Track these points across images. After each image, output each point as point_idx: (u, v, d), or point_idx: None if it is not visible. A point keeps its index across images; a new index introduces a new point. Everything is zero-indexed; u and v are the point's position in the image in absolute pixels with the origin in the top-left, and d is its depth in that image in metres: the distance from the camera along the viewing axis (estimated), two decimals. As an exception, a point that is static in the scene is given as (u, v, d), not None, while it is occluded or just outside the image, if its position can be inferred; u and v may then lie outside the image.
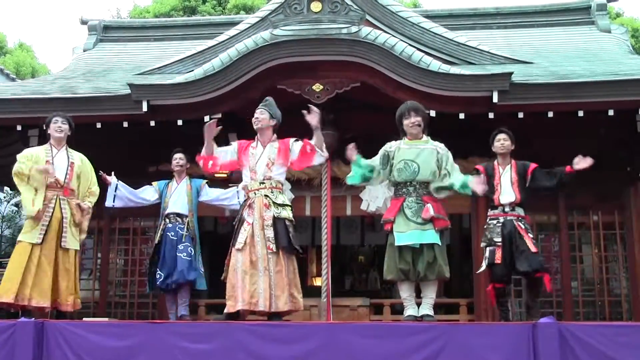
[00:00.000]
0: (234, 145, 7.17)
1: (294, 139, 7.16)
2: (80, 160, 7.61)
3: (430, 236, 6.61)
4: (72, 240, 7.39)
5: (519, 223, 7.23)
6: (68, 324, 6.56)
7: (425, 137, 7.02)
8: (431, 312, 6.69)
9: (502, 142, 7.52)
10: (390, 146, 7.00)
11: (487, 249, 7.23)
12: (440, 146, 6.96)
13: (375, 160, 7.02)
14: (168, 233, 8.38)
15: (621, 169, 10.00)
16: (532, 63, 10.89)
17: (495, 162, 7.58)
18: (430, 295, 6.76)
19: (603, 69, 10.06)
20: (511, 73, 8.91)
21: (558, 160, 9.99)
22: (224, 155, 7.12)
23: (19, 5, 51.53)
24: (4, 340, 6.32)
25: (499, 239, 7.15)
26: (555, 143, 9.89)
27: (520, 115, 8.99)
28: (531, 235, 7.24)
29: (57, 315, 7.40)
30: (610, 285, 10.34)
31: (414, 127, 6.91)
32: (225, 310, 6.81)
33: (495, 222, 7.27)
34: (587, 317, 9.98)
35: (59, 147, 7.54)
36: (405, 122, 6.95)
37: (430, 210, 6.65)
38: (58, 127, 7.51)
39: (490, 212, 7.39)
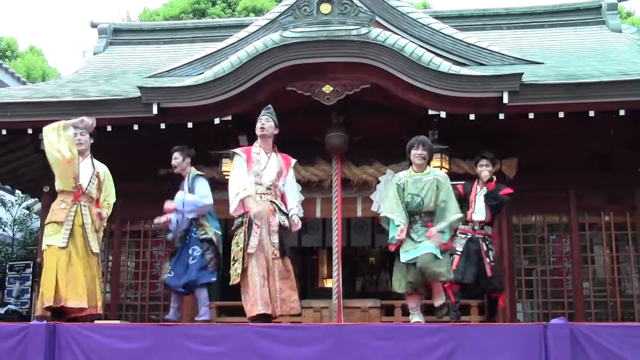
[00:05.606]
0: (243, 157, 7.03)
1: (294, 160, 7.26)
2: (103, 171, 7.62)
3: (424, 247, 6.87)
4: (95, 246, 7.37)
5: (484, 243, 7.91)
6: (79, 326, 6.57)
7: (428, 169, 7.21)
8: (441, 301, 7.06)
9: (484, 168, 8.03)
10: (399, 179, 7.18)
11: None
12: (440, 175, 7.23)
13: (397, 206, 7.11)
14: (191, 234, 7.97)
15: (633, 169, 9.96)
16: (542, 63, 10.86)
17: (476, 182, 8.10)
18: (442, 300, 7.09)
19: (614, 68, 10.02)
20: (521, 74, 8.89)
21: (567, 161, 10.03)
22: (245, 180, 6.95)
23: (29, 9, 51.80)
24: (16, 342, 6.35)
25: (460, 250, 7.79)
26: (566, 143, 9.88)
27: (531, 115, 8.97)
28: (490, 259, 7.87)
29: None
30: (621, 286, 10.31)
31: (419, 158, 7.11)
32: (248, 315, 6.78)
33: (463, 235, 7.87)
34: (599, 317, 9.95)
35: (83, 157, 7.52)
36: (413, 152, 7.14)
37: (432, 231, 6.95)
38: (77, 140, 7.48)
39: (461, 227, 7.79)
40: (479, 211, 7.96)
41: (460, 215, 7.10)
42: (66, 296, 7.00)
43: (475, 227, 7.93)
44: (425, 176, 7.12)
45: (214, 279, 7.78)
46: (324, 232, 13.50)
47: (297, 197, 7.18)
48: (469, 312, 9.33)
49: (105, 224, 7.67)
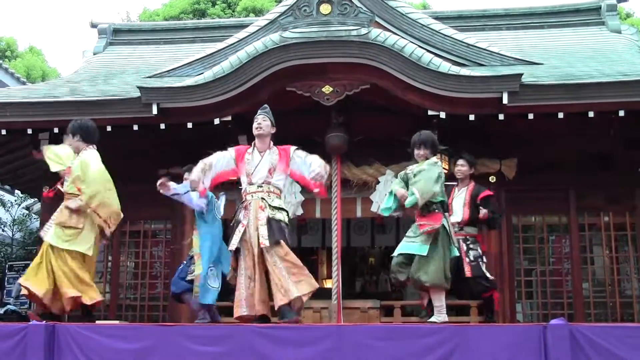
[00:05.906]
0: (231, 152, 7.04)
1: (295, 147, 7.07)
2: (77, 164, 7.33)
3: (413, 248, 6.87)
4: (56, 239, 7.19)
5: (465, 244, 7.96)
6: (79, 326, 6.56)
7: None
8: (437, 319, 6.84)
9: (459, 167, 8.31)
10: (408, 169, 7.24)
11: None
12: (426, 163, 7.07)
13: (397, 184, 7.20)
14: None
15: (633, 169, 9.96)
16: (542, 64, 10.86)
17: (455, 184, 8.25)
18: (435, 304, 6.96)
19: (613, 69, 10.02)
20: (521, 74, 8.90)
21: (567, 161, 10.03)
22: (219, 162, 6.96)
23: (29, 9, 51.79)
24: (15, 342, 6.36)
25: None
26: (566, 143, 9.88)
27: (531, 116, 8.97)
28: (470, 258, 7.90)
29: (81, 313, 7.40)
30: (621, 286, 10.31)
31: (422, 157, 7.13)
32: (234, 315, 6.80)
33: None
34: (598, 318, 9.95)
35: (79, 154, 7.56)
36: (416, 151, 7.17)
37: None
38: (67, 143, 7.57)
39: None
40: (456, 213, 8.03)
41: (430, 190, 6.87)
42: (28, 279, 7.21)
43: (455, 229, 7.83)
44: (419, 166, 7.11)
45: (187, 287, 7.94)
46: (323, 232, 13.50)
47: (317, 162, 6.93)
48: (468, 313, 9.32)
49: (83, 212, 7.24)
